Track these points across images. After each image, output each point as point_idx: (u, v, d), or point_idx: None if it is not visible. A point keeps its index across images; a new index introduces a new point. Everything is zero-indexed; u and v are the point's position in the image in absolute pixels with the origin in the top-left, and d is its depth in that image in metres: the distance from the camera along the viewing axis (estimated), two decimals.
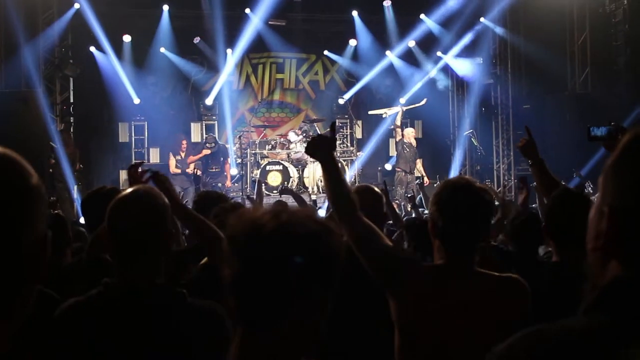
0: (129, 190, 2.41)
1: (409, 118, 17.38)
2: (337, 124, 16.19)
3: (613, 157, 1.16)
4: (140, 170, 3.30)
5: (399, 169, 15.03)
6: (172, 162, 14.95)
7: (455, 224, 2.59)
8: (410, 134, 15.21)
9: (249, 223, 1.47)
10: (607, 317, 1.07)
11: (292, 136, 15.59)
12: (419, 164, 15.03)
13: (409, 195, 9.50)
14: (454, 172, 16.10)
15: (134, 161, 15.76)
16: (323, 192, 13.89)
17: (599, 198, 1.18)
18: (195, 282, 2.69)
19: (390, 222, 5.67)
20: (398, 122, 15.33)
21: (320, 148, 2.90)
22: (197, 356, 2.22)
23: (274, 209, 1.49)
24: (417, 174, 14.85)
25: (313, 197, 13.25)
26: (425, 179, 14.45)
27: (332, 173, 2.83)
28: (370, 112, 16.98)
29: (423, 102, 15.94)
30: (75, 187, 12.97)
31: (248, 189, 14.50)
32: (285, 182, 14.35)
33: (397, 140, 15.11)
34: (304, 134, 15.33)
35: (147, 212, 2.29)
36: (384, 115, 15.99)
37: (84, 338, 2.20)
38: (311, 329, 1.51)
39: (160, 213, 2.32)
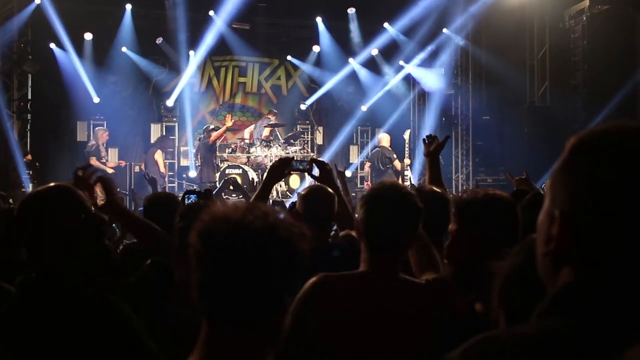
0: (45, 187, 2.31)
1: (370, 126, 17.44)
2: (297, 129, 16.48)
3: (561, 161, 1.14)
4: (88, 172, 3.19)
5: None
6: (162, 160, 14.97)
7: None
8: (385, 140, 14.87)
9: (231, 222, 1.45)
10: (561, 323, 1.07)
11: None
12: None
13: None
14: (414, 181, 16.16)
15: (90, 161, 15.61)
16: (282, 197, 13.83)
17: (547, 202, 1.16)
18: (144, 279, 2.64)
19: None
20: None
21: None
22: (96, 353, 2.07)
23: (252, 207, 1.48)
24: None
25: (271, 200, 13.15)
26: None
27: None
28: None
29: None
30: (31, 185, 12.74)
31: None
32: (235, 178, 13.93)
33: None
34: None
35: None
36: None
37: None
38: (278, 328, 1.51)
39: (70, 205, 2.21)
